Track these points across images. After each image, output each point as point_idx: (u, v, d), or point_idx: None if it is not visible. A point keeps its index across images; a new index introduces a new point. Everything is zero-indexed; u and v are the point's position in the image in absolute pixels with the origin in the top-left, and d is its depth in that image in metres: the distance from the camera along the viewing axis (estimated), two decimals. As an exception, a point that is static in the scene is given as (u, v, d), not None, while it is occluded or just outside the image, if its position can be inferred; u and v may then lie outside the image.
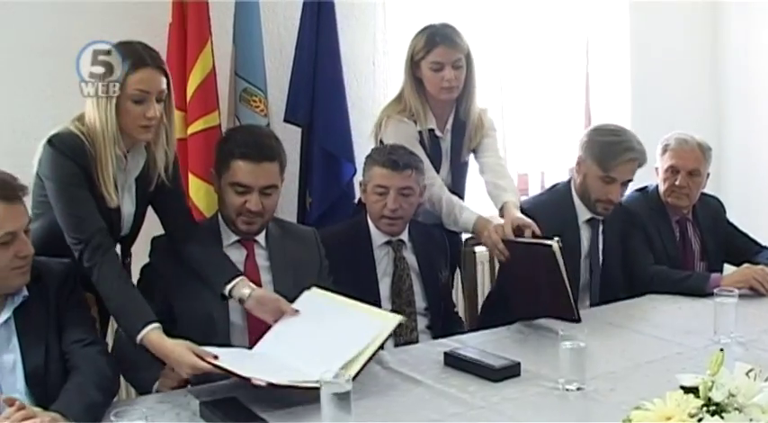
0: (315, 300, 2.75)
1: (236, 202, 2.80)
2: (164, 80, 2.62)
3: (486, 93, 4.70)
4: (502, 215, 3.24)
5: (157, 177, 2.75)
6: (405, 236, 3.29)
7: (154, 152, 2.73)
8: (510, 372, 2.55)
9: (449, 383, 2.50)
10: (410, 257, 3.29)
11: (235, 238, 2.87)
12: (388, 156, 3.16)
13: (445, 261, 3.44)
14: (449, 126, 3.53)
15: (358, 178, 3.50)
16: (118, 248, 2.80)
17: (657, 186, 3.78)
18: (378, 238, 3.24)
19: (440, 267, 3.37)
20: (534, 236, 3.05)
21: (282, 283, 2.84)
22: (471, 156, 3.63)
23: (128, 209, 2.79)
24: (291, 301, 2.72)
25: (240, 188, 2.78)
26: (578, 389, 2.41)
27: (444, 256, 3.44)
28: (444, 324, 3.28)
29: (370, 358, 2.49)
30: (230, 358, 2.42)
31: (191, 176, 3.70)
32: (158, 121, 2.65)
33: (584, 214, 3.49)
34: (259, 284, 2.79)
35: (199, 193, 3.70)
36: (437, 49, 3.37)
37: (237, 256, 2.84)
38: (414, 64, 3.43)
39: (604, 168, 3.37)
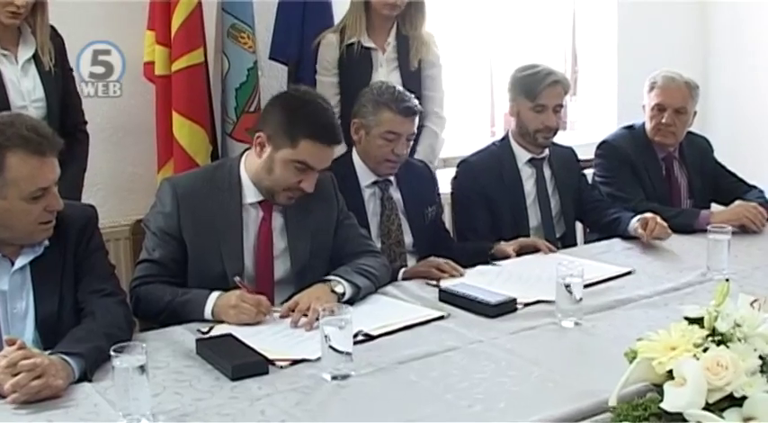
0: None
1: (291, 179, 2.64)
2: None
3: (473, 33, 4.72)
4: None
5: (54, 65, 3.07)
6: (390, 174, 3.29)
7: (41, 37, 3.07)
8: (506, 308, 2.55)
9: (445, 319, 2.50)
10: (396, 196, 3.28)
11: (257, 199, 2.72)
12: (403, 103, 3.12)
13: (433, 195, 3.44)
14: (391, 39, 3.71)
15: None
16: None
17: (644, 124, 3.79)
18: (364, 178, 3.22)
19: (427, 203, 3.36)
20: None
21: (298, 250, 2.76)
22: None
23: (28, 84, 3.05)
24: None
25: (303, 167, 2.63)
26: (576, 324, 2.42)
27: (432, 191, 3.44)
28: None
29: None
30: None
31: (174, 115, 3.67)
32: (27, 11, 2.97)
33: (523, 156, 3.54)
34: (270, 245, 2.74)
35: (182, 131, 3.67)
36: None
37: (253, 216, 2.73)
38: None
39: (532, 97, 3.45)
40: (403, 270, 3.00)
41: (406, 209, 3.29)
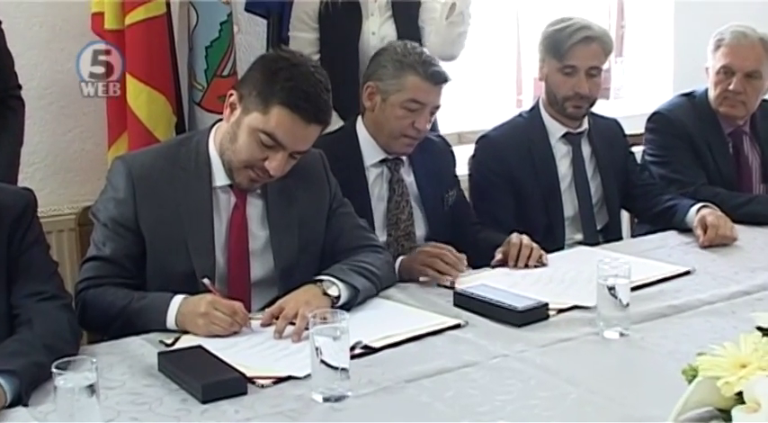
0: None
1: (255, 153, 2.59)
2: None
3: None
4: None
5: None
6: (401, 152, 3.29)
7: None
8: (536, 315, 2.55)
9: (462, 328, 2.51)
10: (408, 179, 3.29)
11: (228, 181, 2.71)
12: (432, 67, 3.12)
13: (452, 177, 3.46)
14: None
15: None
16: None
17: (707, 91, 3.79)
18: (371, 155, 3.22)
19: (445, 187, 3.38)
20: None
21: (282, 245, 2.76)
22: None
23: None
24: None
25: (270, 142, 2.57)
26: (621, 335, 2.42)
27: (451, 171, 3.46)
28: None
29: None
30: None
31: (128, 78, 3.68)
32: None
33: (557, 131, 3.55)
34: (245, 238, 2.74)
35: (138, 99, 3.67)
36: None
37: (224, 202, 2.73)
38: None
39: (560, 57, 3.45)
40: (401, 258, 3.00)
41: (420, 194, 3.30)
